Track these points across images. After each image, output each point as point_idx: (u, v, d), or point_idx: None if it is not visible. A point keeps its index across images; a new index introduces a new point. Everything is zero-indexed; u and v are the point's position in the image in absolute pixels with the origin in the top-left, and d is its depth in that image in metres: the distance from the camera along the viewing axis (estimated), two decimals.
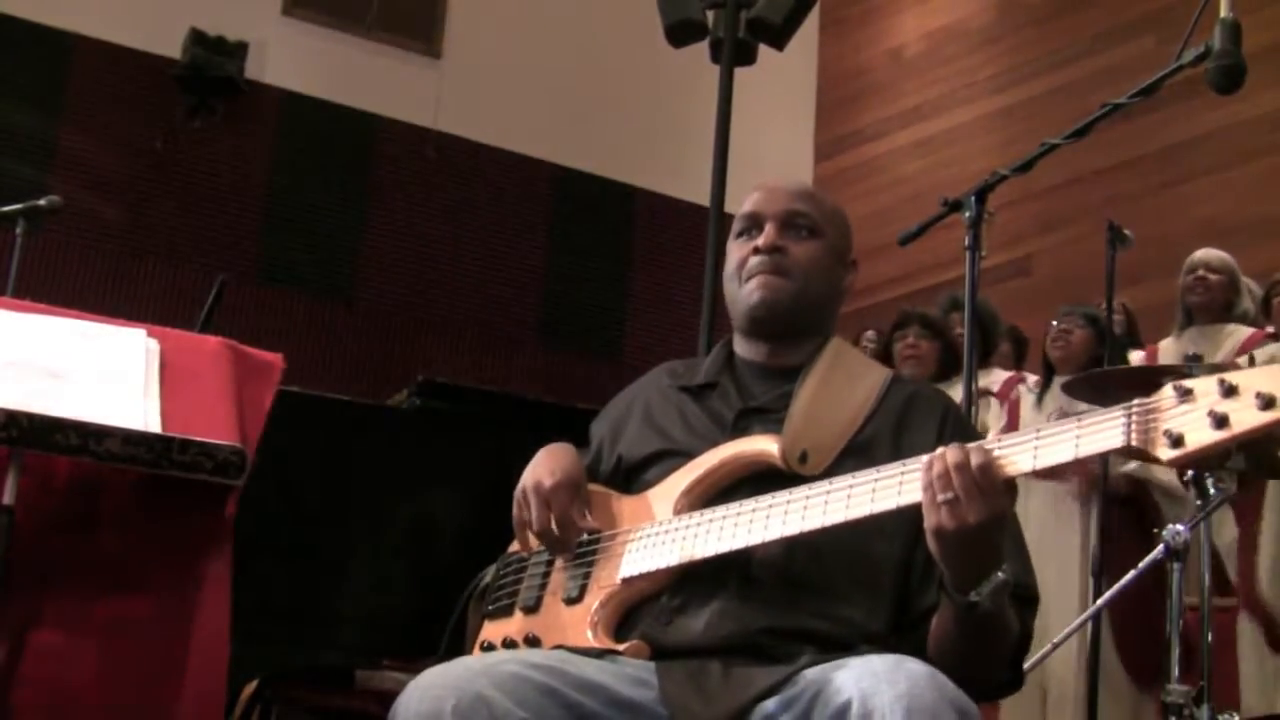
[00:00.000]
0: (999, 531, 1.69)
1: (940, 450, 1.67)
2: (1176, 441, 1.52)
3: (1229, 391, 1.50)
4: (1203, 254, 5.03)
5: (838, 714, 1.62)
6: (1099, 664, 4.17)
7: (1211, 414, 1.50)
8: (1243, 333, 4.87)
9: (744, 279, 2.08)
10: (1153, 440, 1.54)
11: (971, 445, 1.67)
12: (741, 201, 2.16)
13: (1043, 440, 1.63)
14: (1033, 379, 5.17)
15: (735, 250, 2.11)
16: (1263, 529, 4.50)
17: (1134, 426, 1.55)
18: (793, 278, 2.05)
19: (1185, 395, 1.53)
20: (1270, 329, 4.90)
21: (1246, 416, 1.48)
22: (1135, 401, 1.56)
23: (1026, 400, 5.00)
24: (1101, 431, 1.58)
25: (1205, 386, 1.52)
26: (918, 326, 5.08)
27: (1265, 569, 4.45)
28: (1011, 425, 4.92)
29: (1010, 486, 1.69)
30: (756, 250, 2.06)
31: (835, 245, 2.11)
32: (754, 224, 2.10)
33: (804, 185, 2.17)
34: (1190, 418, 1.52)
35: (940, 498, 1.65)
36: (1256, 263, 5.37)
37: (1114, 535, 4.27)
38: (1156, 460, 1.55)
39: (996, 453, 1.66)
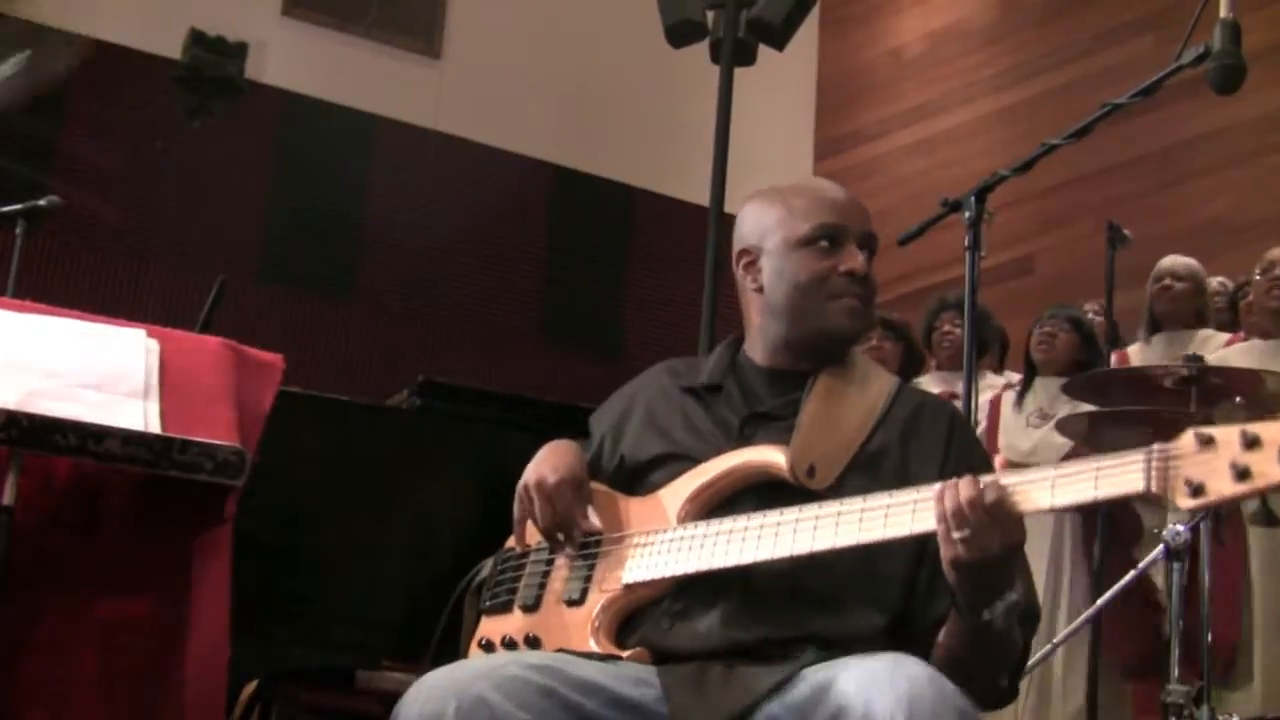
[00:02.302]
0: (1014, 558, 1.72)
1: (954, 482, 1.68)
2: (1197, 491, 1.53)
3: (1251, 443, 1.51)
4: (1169, 262, 5.07)
5: (839, 716, 1.62)
6: (1098, 664, 4.18)
7: (1233, 466, 1.51)
8: (1219, 339, 4.89)
9: (827, 296, 2.01)
10: (1173, 487, 1.54)
11: (986, 479, 1.67)
12: (798, 200, 2.06)
13: (1061, 478, 1.63)
14: (1001, 377, 5.19)
15: (811, 260, 2.02)
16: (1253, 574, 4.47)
17: (1154, 472, 1.56)
18: (871, 307, 2.05)
19: (1206, 443, 1.53)
20: (1243, 334, 4.92)
21: (1269, 470, 1.49)
22: (1155, 446, 1.57)
23: (1007, 400, 5.01)
24: (1121, 475, 1.59)
25: (1227, 436, 1.52)
26: (880, 329, 5.10)
27: (1259, 613, 4.42)
28: (991, 427, 4.92)
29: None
30: (850, 274, 2.00)
31: None
32: (835, 237, 2.02)
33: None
34: (1211, 467, 1.52)
35: (956, 535, 1.66)
36: (1257, 263, 5.36)
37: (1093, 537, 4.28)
38: (1175, 507, 1.55)
39: (1013, 489, 1.66)
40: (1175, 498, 1.54)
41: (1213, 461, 1.52)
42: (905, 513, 1.73)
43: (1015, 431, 4.83)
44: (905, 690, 1.59)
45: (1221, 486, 1.51)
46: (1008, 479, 1.67)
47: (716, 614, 1.85)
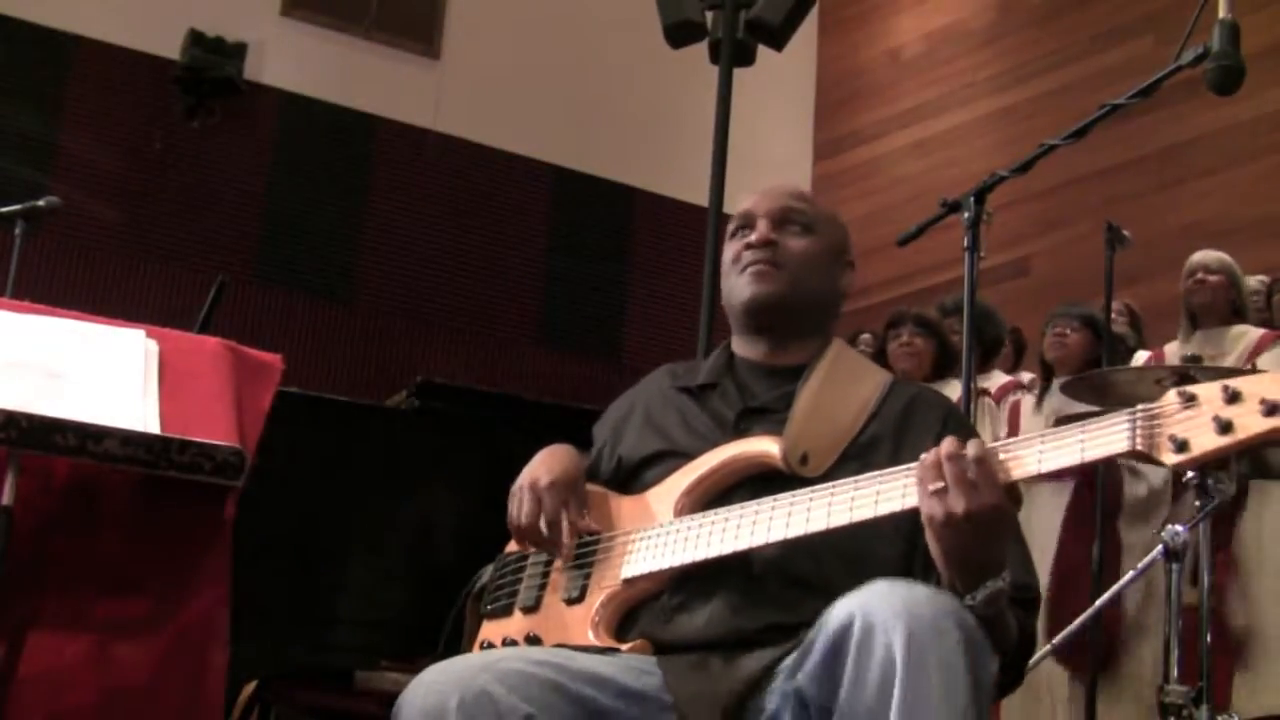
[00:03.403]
0: (993, 532, 1.68)
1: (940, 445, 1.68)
2: (1181, 446, 1.53)
3: (1233, 398, 1.51)
4: (1200, 256, 5.01)
5: (838, 634, 1.62)
6: (1098, 665, 4.18)
7: (1216, 419, 1.51)
8: (1253, 334, 4.85)
9: (738, 272, 2.09)
10: (1157, 445, 1.55)
11: (970, 440, 1.68)
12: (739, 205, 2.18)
13: (1048, 444, 1.63)
14: (1028, 377, 5.18)
15: (730, 248, 2.13)
16: (1252, 535, 4.45)
17: (1139, 431, 1.56)
18: (786, 269, 2.06)
19: (1189, 401, 1.54)
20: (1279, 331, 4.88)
21: (1251, 422, 1.50)
22: (1140, 406, 1.57)
23: (1026, 403, 5.01)
24: (1106, 436, 1.59)
25: (1209, 393, 1.53)
26: (912, 325, 5.08)
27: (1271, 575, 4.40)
28: (1013, 431, 4.92)
29: (1012, 491, 1.69)
30: (750, 245, 2.08)
31: (830, 243, 2.12)
32: (748, 222, 2.12)
33: (798, 187, 2.20)
34: (1195, 423, 1.53)
35: (931, 487, 1.66)
36: (1257, 263, 5.37)
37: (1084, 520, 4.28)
38: (1160, 464, 1.56)
39: (1001, 456, 1.66)
40: (1160, 455, 1.54)
41: (1196, 418, 1.53)
42: (896, 491, 1.74)
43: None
44: (903, 605, 1.58)
45: (1205, 441, 1.52)
46: (995, 446, 1.67)
47: (715, 604, 1.86)
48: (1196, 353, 4.65)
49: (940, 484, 1.65)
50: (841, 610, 1.63)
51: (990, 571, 1.70)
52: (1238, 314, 4.96)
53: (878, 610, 1.59)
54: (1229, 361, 4.65)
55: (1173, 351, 4.97)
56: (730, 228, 2.15)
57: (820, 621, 1.68)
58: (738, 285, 2.09)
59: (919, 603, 1.59)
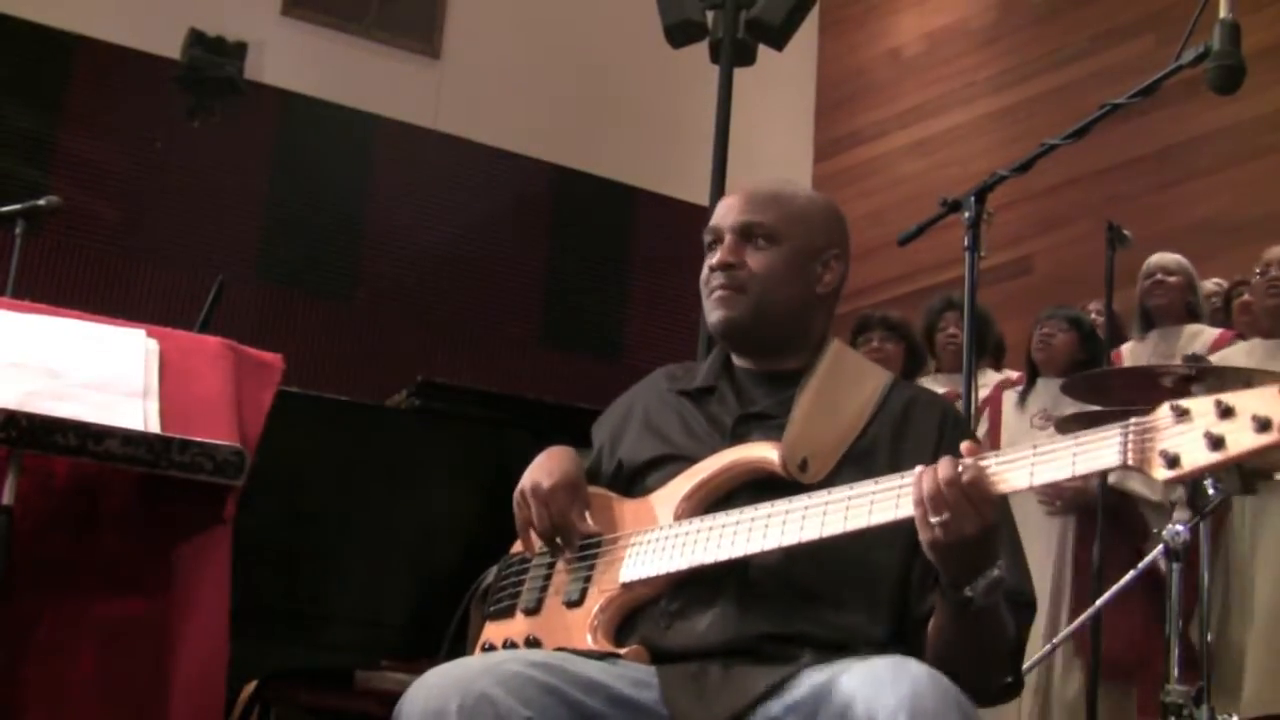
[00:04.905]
0: (994, 538, 1.70)
1: (932, 466, 1.68)
2: (1173, 462, 1.53)
3: (1226, 413, 1.50)
4: (1159, 258, 5.12)
5: (840, 717, 1.62)
6: (1098, 665, 4.18)
7: (1208, 435, 1.50)
8: (1209, 333, 4.93)
9: (706, 295, 2.07)
10: (1149, 460, 1.54)
11: (964, 461, 1.67)
12: None
13: (1039, 457, 1.63)
14: (1014, 375, 5.21)
15: (703, 268, 2.10)
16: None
17: (1130, 446, 1.56)
18: (749, 292, 2.04)
19: (1182, 415, 1.53)
20: (1235, 330, 4.97)
21: (1243, 438, 1.49)
22: (1132, 420, 1.57)
23: (1008, 401, 5.02)
24: (1097, 449, 1.58)
25: (1202, 407, 1.52)
26: (881, 330, 5.11)
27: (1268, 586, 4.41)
28: (994, 427, 4.93)
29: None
30: (713, 268, 2.06)
31: (802, 247, 2.06)
32: (716, 238, 2.08)
33: (766, 189, 2.11)
34: (1186, 438, 1.52)
35: (933, 518, 1.66)
36: (1256, 263, 5.36)
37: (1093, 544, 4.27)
38: (1152, 479, 1.55)
39: (992, 470, 1.66)
40: (1151, 470, 1.53)
41: (1188, 432, 1.52)
42: (890, 500, 1.74)
43: (1019, 432, 4.84)
44: (908, 690, 1.59)
45: (1196, 457, 1.51)
46: (986, 460, 1.67)
47: (714, 612, 1.86)
48: (1155, 352, 4.73)
49: (945, 515, 1.65)
50: (844, 691, 1.64)
51: (986, 563, 1.71)
52: (1192, 315, 5.06)
53: (881, 697, 1.59)
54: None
55: (1129, 351, 5.03)
56: (705, 240, 2.11)
57: (823, 687, 1.68)
58: (707, 309, 2.07)
59: (922, 689, 1.59)
